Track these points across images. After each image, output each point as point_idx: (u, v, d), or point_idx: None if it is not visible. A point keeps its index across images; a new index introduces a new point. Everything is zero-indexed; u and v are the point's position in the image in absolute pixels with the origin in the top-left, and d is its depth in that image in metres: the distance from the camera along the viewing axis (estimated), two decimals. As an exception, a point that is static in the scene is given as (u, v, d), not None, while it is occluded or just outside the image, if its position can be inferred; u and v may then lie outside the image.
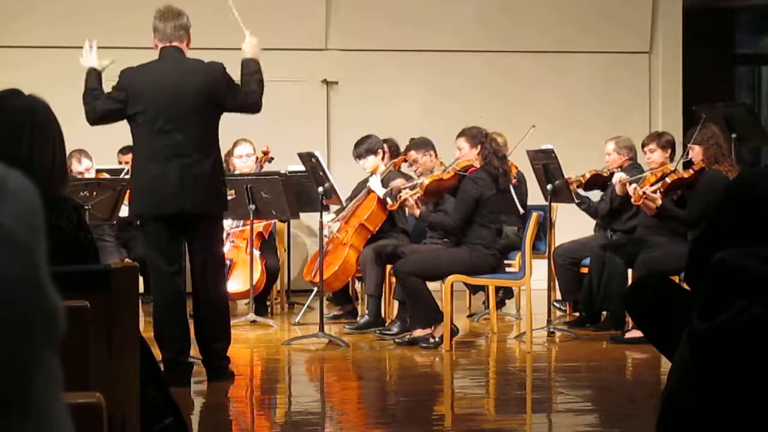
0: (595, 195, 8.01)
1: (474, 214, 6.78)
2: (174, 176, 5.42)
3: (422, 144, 7.75)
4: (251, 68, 5.70)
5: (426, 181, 6.91)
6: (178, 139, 5.44)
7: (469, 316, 8.38)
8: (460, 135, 7.04)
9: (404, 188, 7.03)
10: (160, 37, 5.58)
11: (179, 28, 5.56)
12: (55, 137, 3.10)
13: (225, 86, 5.55)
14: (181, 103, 5.46)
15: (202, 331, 5.61)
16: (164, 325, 5.50)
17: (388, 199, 7.55)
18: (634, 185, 7.23)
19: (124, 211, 7.34)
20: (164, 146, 5.44)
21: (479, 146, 6.89)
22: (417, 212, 6.90)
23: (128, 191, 6.48)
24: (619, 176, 7.49)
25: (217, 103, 5.54)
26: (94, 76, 5.62)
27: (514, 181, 8.14)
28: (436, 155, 7.80)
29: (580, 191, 7.82)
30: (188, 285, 5.77)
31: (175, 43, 5.56)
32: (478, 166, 6.88)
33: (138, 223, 5.67)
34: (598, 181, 7.87)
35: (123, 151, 9.04)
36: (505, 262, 7.50)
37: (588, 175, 7.79)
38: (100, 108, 5.53)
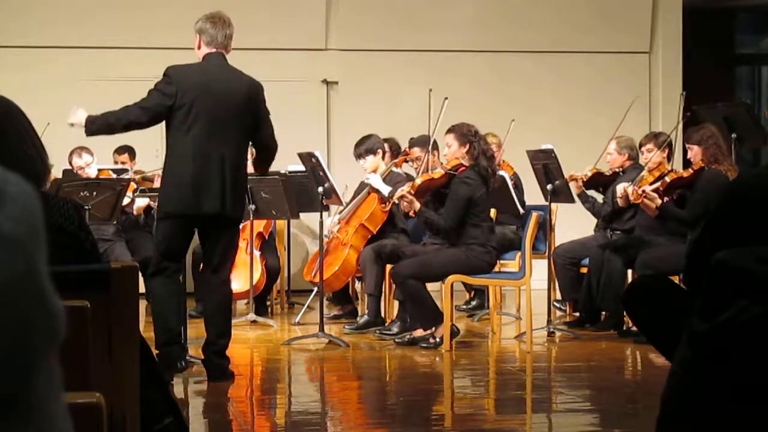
0: (592, 195, 8.01)
1: (466, 215, 6.78)
2: (206, 178, 5.50)
3: (425, 142, 7.75)
4: None
5: (418, 180, 6.92)
6: (214, 142, 5.51)
7: (469, 315, 8.39)
8: (449, 131, 7.00)
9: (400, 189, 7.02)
10: (207, 41, 5.64)
11: (229, 37, 5.68)
12: (33, 132, 3.11)
13: (261, 106, 5.65)
14: (223, 108, 5.54)
15: (209, 328, 5.69)
16: (166, 312, 5.60)
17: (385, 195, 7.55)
18: (632, 187, 7.21)
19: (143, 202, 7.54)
20: (200, 147, 5.51)
21: (468, 145, 6.88)
22: (417, 205, 6.85)
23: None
24: (621, 187, 7.42)
25: (253, 116, 5.63)
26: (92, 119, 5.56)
27: (511, 183, 8.14)
28: (438, 154, 7.79)
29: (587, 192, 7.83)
30: (189, 285, 5.82)
31: (221, 50, 5.66)
32: (467, 164, 6.87)
33: (157, 215, 5.75)
34: (600, 180, 7.85)
35: (119, 150, 9.03)
36: (505, 262, 7.49)
37: (589, 173, 7.78)
38: (151, 106, 5.49)
